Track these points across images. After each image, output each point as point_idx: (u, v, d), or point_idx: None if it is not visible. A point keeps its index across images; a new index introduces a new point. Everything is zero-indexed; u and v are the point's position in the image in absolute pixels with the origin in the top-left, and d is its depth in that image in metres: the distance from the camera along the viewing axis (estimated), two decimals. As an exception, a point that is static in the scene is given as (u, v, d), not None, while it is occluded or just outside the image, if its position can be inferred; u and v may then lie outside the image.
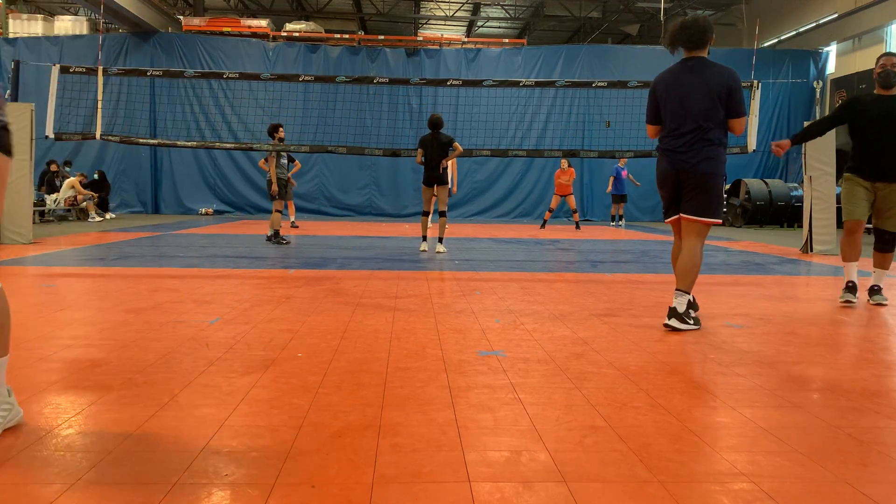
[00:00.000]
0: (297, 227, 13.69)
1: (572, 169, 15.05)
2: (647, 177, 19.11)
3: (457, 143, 8.60)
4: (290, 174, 12.99)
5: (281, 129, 9.65)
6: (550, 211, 15.20)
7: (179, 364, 3.02)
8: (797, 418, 2.44)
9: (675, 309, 3.97)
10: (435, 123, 8.57)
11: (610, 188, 16.84)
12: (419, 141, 8.71)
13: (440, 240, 8.94)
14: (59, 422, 2.27)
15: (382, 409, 2.45)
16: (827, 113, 18.68)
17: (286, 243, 9.54)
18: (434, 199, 8.85)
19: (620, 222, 17.04)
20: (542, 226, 14.98)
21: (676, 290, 4.02)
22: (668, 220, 4.25)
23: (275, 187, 9.46)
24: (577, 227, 14.81)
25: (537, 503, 1.75)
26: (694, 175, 3.99)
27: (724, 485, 1.87)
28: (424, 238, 9.02)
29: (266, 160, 10.00)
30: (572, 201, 14.95)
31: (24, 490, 1.77)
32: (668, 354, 3.37)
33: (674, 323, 3.95)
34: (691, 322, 3.98)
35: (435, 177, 8.61)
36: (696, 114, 3.97)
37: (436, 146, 8.53)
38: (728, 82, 3.98)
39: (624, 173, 16.53)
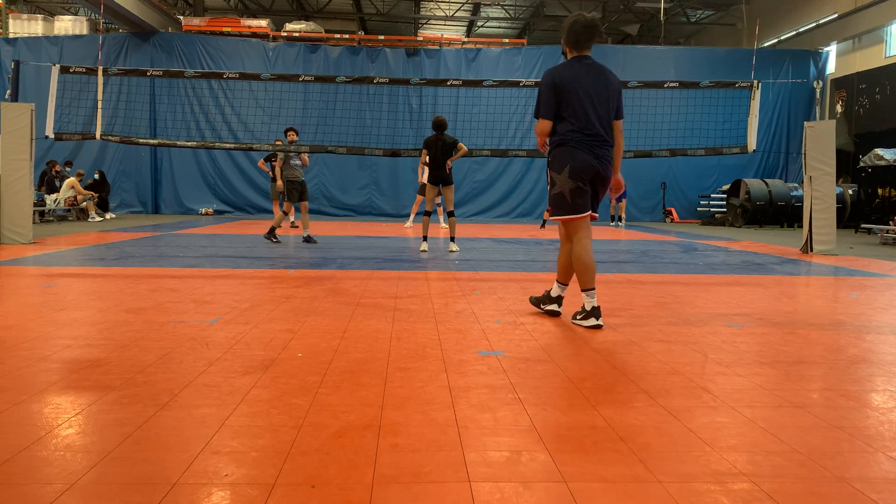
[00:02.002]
0: (297, 227, 13.69)
1: None
2: (647, 176, 19.18)
3: (461, 144, 8.68)
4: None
5: (290, 132, 9.80)
6: (549, 211, 15.19)
7: (179, 364, 3.02)
8: (797, 418, 2.44)
9: (561, 299, 4.29)
10: (439, 125, 8.66)
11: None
12: (424, 142, 8.80)
13: (452, 239, 9.06)
14: (59, 422, 2.27)
15: (382, 409, 2.45)
16: (827, 113, 18.76)
17: (276, 242, 9.63)
18: (439, 198, 8.92)
19: (620, 222, 17.04)
20: (542, 225, 14.99)
21: (563, 284, 4.28)
22: (584, 214, 4.11)
23: (279, 184, 9.53)
24: None
25: (537, 503, 1.75)
26: (607, 172, 4.13)
27: (724, 485, 1.87)
28: (425, 238, 9.02)
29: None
30: None
31: (24, 490, 1.77)
32: (668, 354, 3.37)
33: (557, 309, 4.27)
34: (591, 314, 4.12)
35: (442, 177, 8.71)
36: (603, 114, 4.08)
37: (441, 147, 8.60)
38: (619, 85, 4.20)
39: None
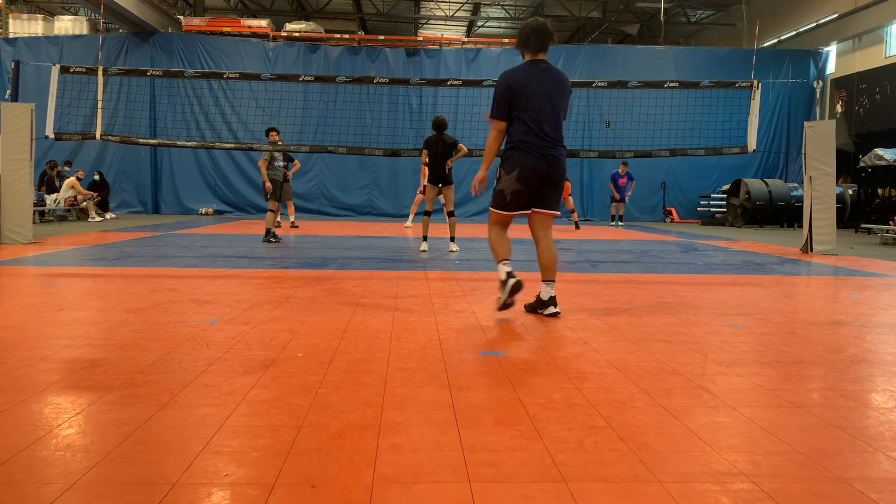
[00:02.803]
0: (297, 226, 13.69)
1: (568, 182, 15.03)
2: (646, 176, 19.18)
3: (461, 145, 8.67)
4: (289, 173, 13.05)
5: (272, 133, 9.96)
6: None
7: (179, 364, 3.02)
8: (797, 418, 2.44)
9: (554, 298, 4.36)
10: (440, 125, 8.66)
11: (617, 194, 16.77)
12: (424, 142, 8.81)
13: (452, 239, 9.07)
14: (59, 422, 2.27)
15: (382, 409, 2.45)
16: (827, 113, 18.77)
17: (276, 241, 9.67)
18: (440, 198, 8.95)
19: (619, 223, 17.04)
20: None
21: (546, 281, 4.36)
22: (514, 213, 4.32)
23: (268, 185, 9.61)
24: (577, 226, 14.80)
25: (537, 503, 1.75)
26: (560, 173, 4.28)
27: (724, 485, 1.87)
28: (425, 238, 9.02)
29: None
30: (570, 202, 14.95)
31: (24, 490, 1.77)
32: (668, 354, 3.37)
33: (553, 310, 4.33)
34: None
35: (443, 177, 8.73)
36: (556, 116, 4.23)
37: (441, 147, 8.61)
38: (570, 89, 4.36)
39: (622, 181, 16.51)
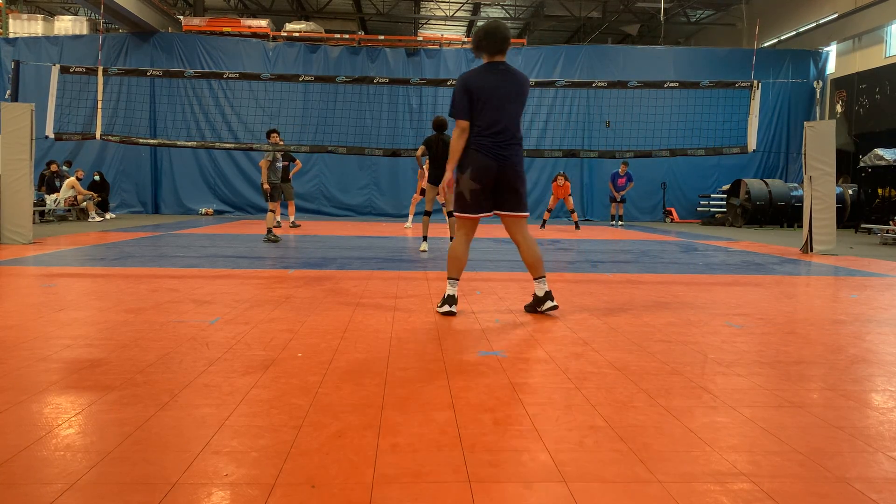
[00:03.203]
0: (298, 226, 13.70)
1: (568, 183, 15.02)
2: (647, 176, 19.18)
3: None
4: (290, 174, 13.10)
5: (273, 134, 10.06)
6: (549, 211, 15.22)
7: (179, 364, 3.02)
8: (797, 418, 2.44)
9: (549, 292, 4.40)
10: (440, 125, 8.67)
11: (617, 194, 16.77)
12: (423, 141, 8.82)
13: (452, 239, 9.07)
14: (59, 422, 2.27)
15: (382, 409, 2.45)
16: (827, 113, 18.77)
17: (275, 240, 9.71)
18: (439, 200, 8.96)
19: (619, 223, 17.03)
20: (542, 226, 14.98)
21: (538, 278, 4.40)
22: (477, 215, 4.35)
23: (266, 187, 9.72)
24: (577, 227, 14.80)
25: (537, 503, 1.75)
26: (515, 173, 4.30)
27: (724, 485, 1.87)
28: (425, 238, 9.02)
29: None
30: (570, 201, 14.95)
31: (24, 490, 1.77)
32: (668, 354, 3.37)
33: (550, 304, 4.38)
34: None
35: (442, 176, 8.72)
36: (511, 116, 4.28)
37: (441, 147, 8.61)
38: (527, 88, 4.39)
39: (622, 181, 16.50)
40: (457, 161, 4.40)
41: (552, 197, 15.12)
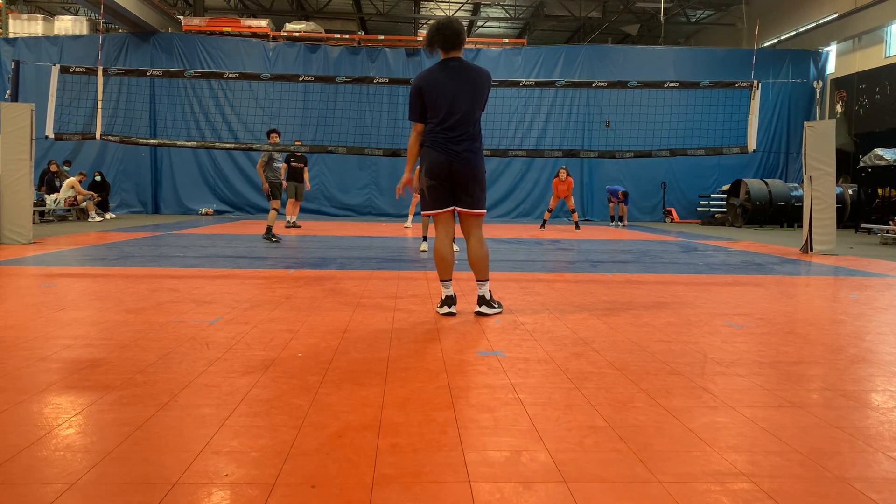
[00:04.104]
0: (299, 226, 13.69)
1: (570, 179, 14.96)
2: (647, 176, 19.18)
3: None
4: (305, 175, 13.16)
5: (273, 134, 10.14)
6: (549, 211, 15.19)
7: (179, 364, 3.02)
8: (797, 418, 2.44)
9: (483, 297, 4.41)
10: None
11: (613, 199, 16.87)
12: None
13: (453, 239, 9.10)
14: (59, 422, 2.27)
15: (382, 409, 2.45)
16: (827, 113, 18.77)
17: (276, 241, 9.75)
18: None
19: (622, 223, 17.01)
20: (542, 226, 14.98)
21: (478, 280, 4.43)
22: (440, 210, 4.37)
23: (265, 186, 9.82)
24: (577, 226, 14.79)
25: (537, 503, 1.75)
26: (468, 168, 4.27)
27: (724, 485, 1.87)
28: (425, 238, 9.02)
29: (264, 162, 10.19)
30: (571, 201, 14.93)
31: (24, 490, 1.77)
32: (668, 354, 3.37)
33: (484, 309, 4.38)
34: (496, 305, 4.46)
35: None
36: (464, 112, 4.25)
37: None
38: (487, 83, 4.36)
39: (622, 193, 16.60)
40: (412, 163, 4.47)
41: (553, 196, 15.06)
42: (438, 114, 4.26)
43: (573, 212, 14.90)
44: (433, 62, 4.48)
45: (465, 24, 24.72)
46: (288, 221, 13.67)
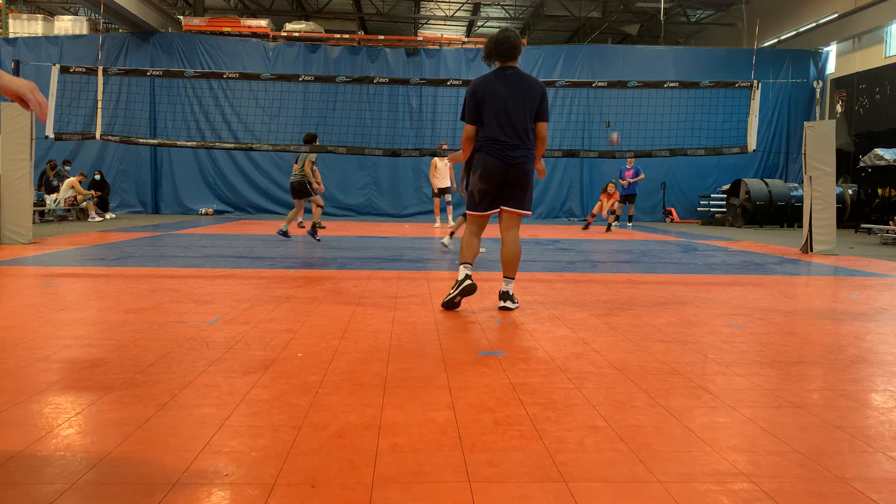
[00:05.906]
0: (304, 227, 13.69)
1: (618, 193, 14.90)
2: (647, 176, 19.16)
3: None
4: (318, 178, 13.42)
5: (315, 140, 10.47)
6: (593, 215, 15.00)
7: (179, 364, 3.02)
8: (797, 418, 2.44)
9: (507, 292, 4.58)
10: None
11: (624, 182, 16.61)
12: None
13: (451, 234, 9.16)
14: (59, 422, 2.27)
15: (382, 409, 2.45)
16: (827, 113, 18.77)
17: (318, 240, 10.08)
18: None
19: (629, 223, 16.80)
20: (586, 227, 14.91)
21: (506, 277, 4.59)
22: (486, 213, 4.56)
23: (319, 186, 10.46)
24: (609, 228, 14.43)
25: (537, 503, 1.75)
26: (522, 173, 4.46)
27: (724, 485, 1.87)
28: (452, 234, 9.15)
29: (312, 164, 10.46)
30: (614, 205, 14.82)
31: (24, 490, 1.77)
32: (668, 354, 3.37)
33: (508, 304, 4.57)
34: (517, 302, 4.66)
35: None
36: (518, 119, 4.42)
37: None
38: (541, 93, 4.50)
39: (628, 173, 16.27)
40: (463, 159, 4.65)
41: (599, 203, 14.96)
42: (493, 121, 4.41)
43: (612, 213, 14.73)
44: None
45: (464, 24, 24.74)
46: (300, 223, 13.70)
